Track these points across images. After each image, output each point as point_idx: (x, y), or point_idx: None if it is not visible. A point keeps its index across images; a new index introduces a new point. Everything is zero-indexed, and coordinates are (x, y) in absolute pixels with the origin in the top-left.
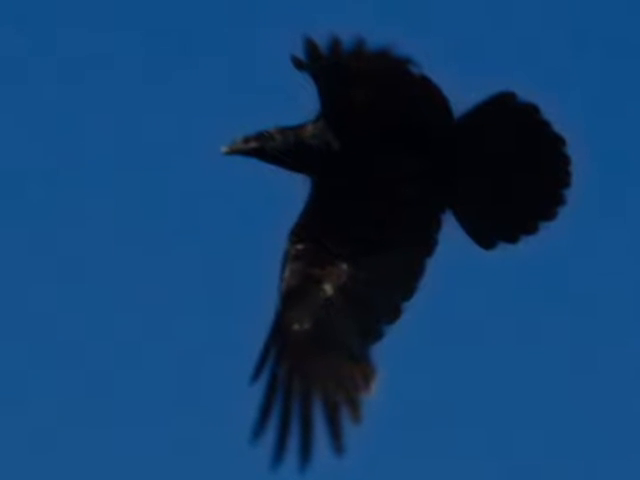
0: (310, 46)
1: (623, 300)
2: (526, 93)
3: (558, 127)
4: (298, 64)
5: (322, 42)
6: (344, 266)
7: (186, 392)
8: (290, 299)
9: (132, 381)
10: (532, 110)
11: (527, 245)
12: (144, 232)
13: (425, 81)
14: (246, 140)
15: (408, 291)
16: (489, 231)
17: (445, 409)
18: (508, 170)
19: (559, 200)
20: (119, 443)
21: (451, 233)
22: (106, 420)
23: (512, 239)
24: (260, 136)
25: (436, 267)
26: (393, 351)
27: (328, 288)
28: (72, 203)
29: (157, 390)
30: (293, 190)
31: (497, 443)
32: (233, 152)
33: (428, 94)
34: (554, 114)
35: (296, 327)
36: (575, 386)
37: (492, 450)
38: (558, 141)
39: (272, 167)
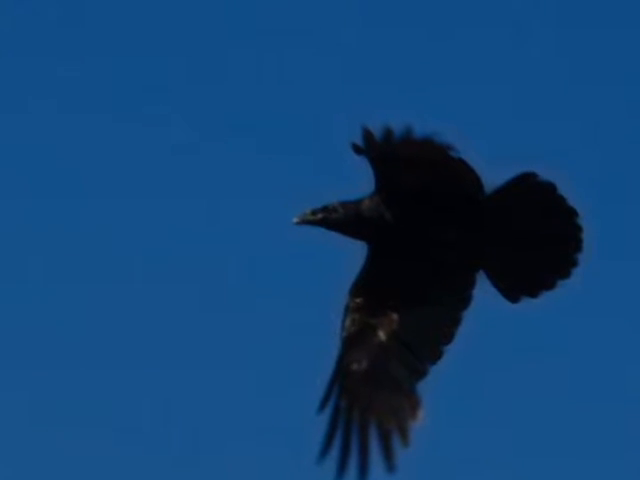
0: (367, 134)
1: (622, 349)
2: (545, 172)
3: (572, 201)
4: (357, 150)
5: (377, 131)
6: (395, 316)
7: (264, 421)
8: (350, 344)
9: (217, 406)
10: (550, 187)
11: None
12: (228, 290)
13: (462, 163)
14: (314, 212)
15: (447, 337)
16: (515, 287)
17: (479, 436)
18: (531, 236)
19: (573, 262)
20: (195, 465)
21: (484, 289)
22: (183, 444)
23: (534, 294)
24: (325, 209)
25: (472, 317)
26: (436, 386)
27: (382, 334)
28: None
29: (243, 418)
30: (353, 253)
31: (534, 462)
32: (303, 222)
33: (464, 174)
34: (569, 190)
35: (355, 367)
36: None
37: (529, 466)
38: (572, 213)
39: (335, 234)
